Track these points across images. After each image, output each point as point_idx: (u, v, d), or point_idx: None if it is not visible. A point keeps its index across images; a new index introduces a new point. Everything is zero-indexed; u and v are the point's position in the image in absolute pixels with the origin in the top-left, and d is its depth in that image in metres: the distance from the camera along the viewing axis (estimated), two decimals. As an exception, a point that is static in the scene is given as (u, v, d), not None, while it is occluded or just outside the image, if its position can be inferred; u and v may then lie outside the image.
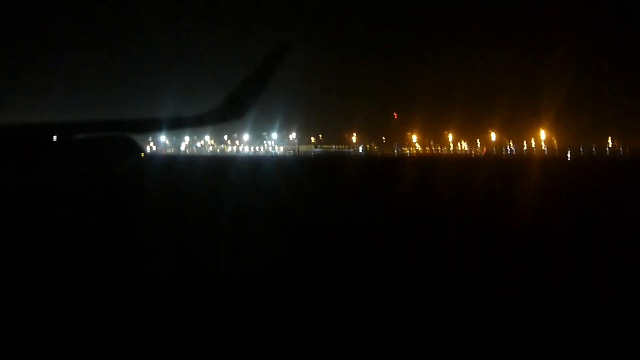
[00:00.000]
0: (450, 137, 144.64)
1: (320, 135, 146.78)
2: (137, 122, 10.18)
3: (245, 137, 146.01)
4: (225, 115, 10.31)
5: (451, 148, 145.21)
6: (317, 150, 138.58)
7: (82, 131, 9.58)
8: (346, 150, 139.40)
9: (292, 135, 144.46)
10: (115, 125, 9.98)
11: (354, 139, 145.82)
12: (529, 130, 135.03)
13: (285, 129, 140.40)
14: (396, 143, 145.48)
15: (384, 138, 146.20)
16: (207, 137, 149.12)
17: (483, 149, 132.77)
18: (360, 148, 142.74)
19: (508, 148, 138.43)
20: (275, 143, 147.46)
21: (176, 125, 11.05)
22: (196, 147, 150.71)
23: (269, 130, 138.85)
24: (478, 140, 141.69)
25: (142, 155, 10.61)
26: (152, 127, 10.89)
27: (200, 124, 10.47)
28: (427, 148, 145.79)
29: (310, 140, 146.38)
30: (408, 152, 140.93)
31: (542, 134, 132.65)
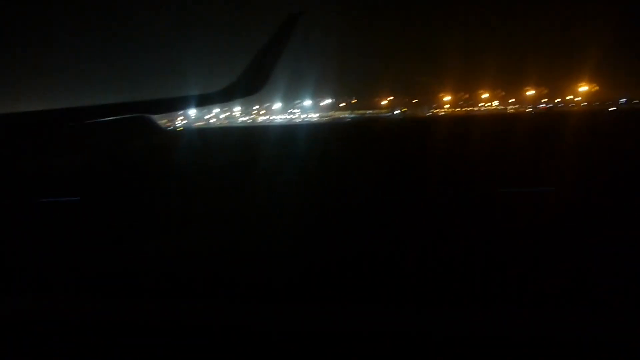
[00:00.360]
0: (486, 95, 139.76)
1: (354, 100, 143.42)
2: (164, 101, 10.59)
3: (276, 105, 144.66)
4: (242, 90, 10.55)
5: (489, 105, 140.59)
6: (352, 116, 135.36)
7: (108, 114, 10.03)
8: (383, 114, 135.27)
9: (325, 102, 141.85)
10: (145, 105, 10.39)
11: (384, 102, 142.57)
12: (562, 83, 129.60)
13: (316, 96, 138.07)
14: (427, 105, 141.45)
15: (415, 100, 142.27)
16: (237, 108, 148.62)
17: (541, 105, 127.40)
18: (396, 111, 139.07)
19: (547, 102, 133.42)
20: (307, 110, 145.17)
21: (196, 102, 11.36)
22: (225, 118, 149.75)
23: (301, 97, 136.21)
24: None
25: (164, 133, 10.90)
26: (175, 106, 11.32)
27: (217, 100, 10.72)
28: (463, 107, 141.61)
29: (339, 105, 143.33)
30: (444, 112, 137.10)
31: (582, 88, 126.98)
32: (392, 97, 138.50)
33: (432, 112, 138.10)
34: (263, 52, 10.10)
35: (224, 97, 10.05)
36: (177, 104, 10.34)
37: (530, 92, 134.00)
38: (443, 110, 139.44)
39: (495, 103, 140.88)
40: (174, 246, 9.66)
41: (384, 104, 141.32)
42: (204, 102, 10.13)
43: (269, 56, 10.19)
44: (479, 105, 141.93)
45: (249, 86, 10.14)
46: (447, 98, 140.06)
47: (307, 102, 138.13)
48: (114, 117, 9.35)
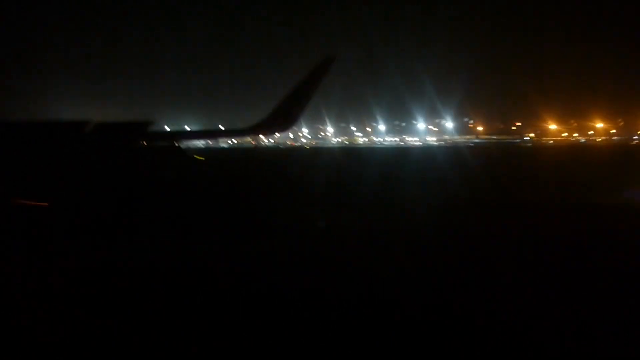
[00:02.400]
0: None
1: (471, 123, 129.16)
2: (205, 132, 11.37)
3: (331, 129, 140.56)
4: (274, 127, 11.05)
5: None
6: (477, 140, 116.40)
7: (154, 140, 10.83)
8: (512, 139, 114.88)
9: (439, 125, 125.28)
10: (186, 135, 11.10)
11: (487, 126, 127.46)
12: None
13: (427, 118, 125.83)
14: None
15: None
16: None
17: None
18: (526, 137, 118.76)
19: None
20: (384, 134, 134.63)
21: (233, 134, 12.01)
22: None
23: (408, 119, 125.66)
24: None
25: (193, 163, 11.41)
26: (217, 136, 12.06)
27: (250, 133, 11.24)
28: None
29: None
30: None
31: None
32: (519, 123, 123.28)
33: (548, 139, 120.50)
34: (294, 92, 10.57)
35: (252, 132, 10.61)
36: (205, 136, 11.07)
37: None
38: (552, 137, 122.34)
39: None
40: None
41: (501, 128, 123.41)
42: (232, 135, 10.82)
43: (300, 96, 10.65)
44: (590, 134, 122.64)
45: (278, 124, 10.63)
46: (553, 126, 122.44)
47: (421, 125, 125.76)
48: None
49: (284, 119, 10.95)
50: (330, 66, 10.72)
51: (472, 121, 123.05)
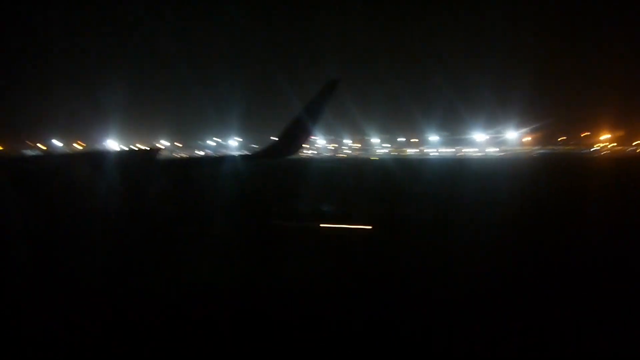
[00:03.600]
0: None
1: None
2: (214, 159, 11.40)
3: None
4: (282, 151, 11.05)
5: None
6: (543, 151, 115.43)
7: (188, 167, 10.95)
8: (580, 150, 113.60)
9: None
10: (197, 161, 11.05)
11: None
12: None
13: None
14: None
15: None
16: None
17: None
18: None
19: None
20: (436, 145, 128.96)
21: (242, 160, 12.00)
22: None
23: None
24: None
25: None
26: (224, 162, 12.07)
27: (258, 159, 11.22)
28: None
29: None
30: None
31: None
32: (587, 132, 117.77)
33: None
34: (301, 116, 10.61)
35: (260, 157, 10.63)
36: (210, 163, 11.11)
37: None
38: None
39: None
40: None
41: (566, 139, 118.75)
42: (239, 161, 10.84)
43: (306, 120, 10.68)
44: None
45: (286, 148, 10.64)
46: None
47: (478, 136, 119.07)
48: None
49: (291, 144, 10.97)
50: (336, 89, 10.77)
51: (529, 131, 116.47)
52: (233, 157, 10.95)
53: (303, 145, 11.14)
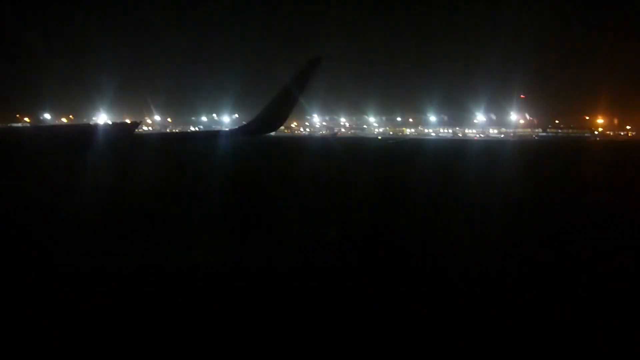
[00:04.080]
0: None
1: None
2: (199, 135, 11.28)
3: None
4: (262, 127, 11.02)
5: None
6: (544, 134, 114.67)
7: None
8: (581, 133, 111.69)
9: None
10: (184, 136, 10.90)
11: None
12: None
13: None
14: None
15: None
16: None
17: None
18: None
19: None
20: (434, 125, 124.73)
21: (220, 137, 11.94)
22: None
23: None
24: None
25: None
26: (205, 138, 12.02)
27: (240, 135, 11.18)
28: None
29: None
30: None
31: None
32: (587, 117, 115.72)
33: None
34: (282, 93, 10.54)
35: (240, 133, 10.57)
36: (192, 138, 11.01)
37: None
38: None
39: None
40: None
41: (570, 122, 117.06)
42: (219, 137, 10.78)
43: (288, 97, 10.63)
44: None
45: (266, 124, 10.60)
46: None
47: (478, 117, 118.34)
48: None
49: (272, 120, 10.94)
50: (318, 66, 10.70)
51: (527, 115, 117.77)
52: (214, 132, 10.85)
53: (283, 122, 11.12)
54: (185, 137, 11.48)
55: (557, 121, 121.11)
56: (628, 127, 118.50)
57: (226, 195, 13.40)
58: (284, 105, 10.67)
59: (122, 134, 10.60)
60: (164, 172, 13.93)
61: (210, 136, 11.81)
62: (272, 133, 12.17)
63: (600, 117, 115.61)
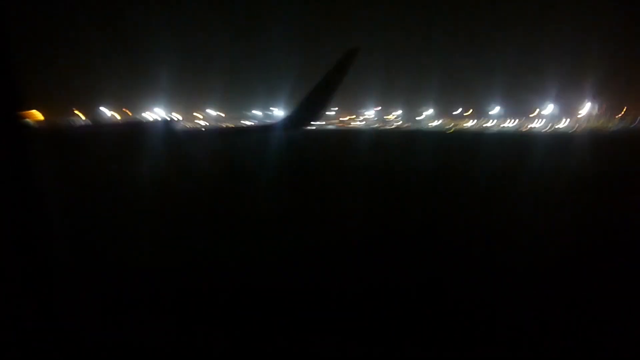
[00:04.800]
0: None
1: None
2: (242, 129, 11.54)
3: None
4: (301, 121, 11.15)
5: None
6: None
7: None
8: None
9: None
10: (229, 131, 11.13)
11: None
12: None
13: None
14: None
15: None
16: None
17: None
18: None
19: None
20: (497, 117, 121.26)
21: (265, 130, 12.12)
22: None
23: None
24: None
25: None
26: (252, 132, 12.24)
27: (277, 129, 11.34)
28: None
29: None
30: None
31: None
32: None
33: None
34: (320, 85, 10.62)
35: (279, 127, 10.73)
36: (229, 133, 11.27)
37: None
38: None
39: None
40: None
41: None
42: (258, 132, 10.96)
43: (326, 89, 10.70)
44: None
45: (305, 118, 10.72)
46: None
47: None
48: None
49: (311, 113, 11.04)
50: (355, 58, 10.74)
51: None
52: (251, 127, 11.06)
53: (322, 115, 11.20)
54: (221, 133, 11.73)
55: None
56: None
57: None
58: (321, 100, 10.75)
59: (161, 131, 10.88)
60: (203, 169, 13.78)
61: (250, 131, 12.03)
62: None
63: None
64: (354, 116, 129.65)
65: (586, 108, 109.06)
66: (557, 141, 51.58)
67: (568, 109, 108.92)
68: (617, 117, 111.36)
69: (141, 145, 9.85)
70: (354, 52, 10.69)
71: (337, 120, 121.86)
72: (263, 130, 11.42)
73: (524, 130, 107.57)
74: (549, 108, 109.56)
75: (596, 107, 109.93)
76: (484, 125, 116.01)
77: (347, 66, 10.71)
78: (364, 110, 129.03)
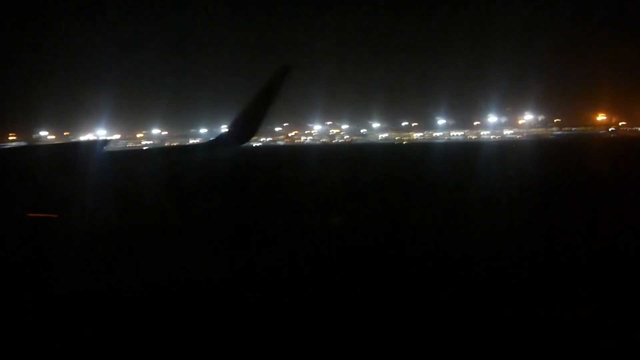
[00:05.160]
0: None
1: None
2: (170, 149, 11.02)
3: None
4: (234, 140, 10.77)
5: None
6: (559, 132, 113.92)
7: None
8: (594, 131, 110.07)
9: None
10: (156, 152, 10.61)
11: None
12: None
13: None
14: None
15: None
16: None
17: None
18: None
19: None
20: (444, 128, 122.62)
21: (191, 151, 11.67)
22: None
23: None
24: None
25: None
26: (178, 153, 11.75)
27: (210, 149, 10.93)
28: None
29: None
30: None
31: None
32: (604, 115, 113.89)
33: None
34: (252, 104, 10.28)
35: (211, 147, 10.34)
36: (161, 154, 10.78)
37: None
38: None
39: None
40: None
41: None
42: (190, 152, 10.55)
43: (258, 108, 10.37)
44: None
45: (238, 137, 10.36)
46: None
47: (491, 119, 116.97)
48: None
49: (244, 131, 10.69)
50: (287, 75, 10.47)
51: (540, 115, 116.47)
52: (184, 147, 10.60)
53: (255, 133, 10.86)
54: (156, 153, 11.21)
55: (556, 120, 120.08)
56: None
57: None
58: (254, 118, 10.42)
59: (89, 152, 10.28)
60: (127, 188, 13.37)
61: (182, 151, 11.54)
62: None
63: (602, 113, 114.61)
64: (303, 131, 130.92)
65: (529, 118, 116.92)
66: (501, 147, 56.87)
67: (510, 119, 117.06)
68: (554, 126, 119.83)
69: (64, 167, 9.26)
70: (286, 69, 10.43)
71: (283, 136, 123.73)
72: (194, 150, 10.97)
73: (472, 138, 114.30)
74: (492, 118, 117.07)
75: (537, 117, 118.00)
76: (434, 135, 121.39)
77: (279, 83, 10.43)
78: (312, 126, 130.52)
